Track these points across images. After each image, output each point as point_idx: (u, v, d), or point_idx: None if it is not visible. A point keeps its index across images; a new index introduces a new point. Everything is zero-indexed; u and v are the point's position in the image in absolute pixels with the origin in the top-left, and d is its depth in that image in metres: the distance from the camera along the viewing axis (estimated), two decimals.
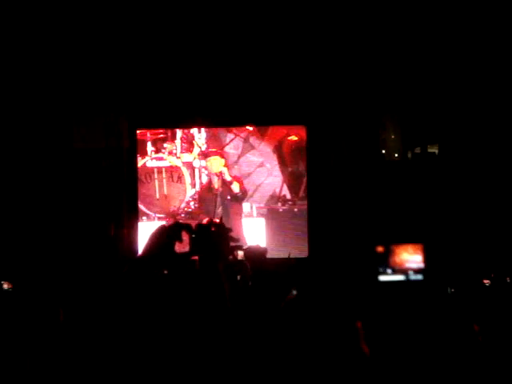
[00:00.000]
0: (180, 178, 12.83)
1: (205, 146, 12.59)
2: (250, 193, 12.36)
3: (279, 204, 12.57)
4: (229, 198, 12.42)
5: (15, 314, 4.08)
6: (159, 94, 11.06)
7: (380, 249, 3.56)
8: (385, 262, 3.49)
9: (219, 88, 10.89)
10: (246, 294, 4.99)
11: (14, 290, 7.04)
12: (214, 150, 12.61)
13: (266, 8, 10.14)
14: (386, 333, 3.26)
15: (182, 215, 12.72)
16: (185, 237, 3.99)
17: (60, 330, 4.07)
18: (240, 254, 6.57)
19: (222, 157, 12.39)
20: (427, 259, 3.36)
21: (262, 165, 12.63)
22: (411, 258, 3.46)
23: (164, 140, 12.79)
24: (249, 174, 12.65)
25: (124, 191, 11.40)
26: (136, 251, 11.17)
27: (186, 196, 12.80)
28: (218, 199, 12.34)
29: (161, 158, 12.83)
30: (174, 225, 4.09)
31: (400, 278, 3.48)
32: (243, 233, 11.89)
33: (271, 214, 12.50)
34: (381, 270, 3.53)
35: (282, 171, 12.55)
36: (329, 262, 9.94)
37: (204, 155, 12.60)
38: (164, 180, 12.78)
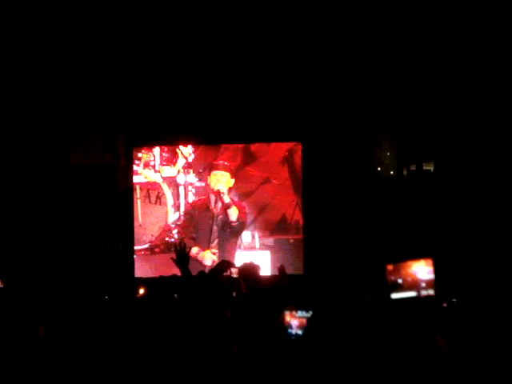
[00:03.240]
0: (159, 198, 10.34)
1: (192, 156, 10.41)
2: (251, 217, 10.21)
3: (290, 233, 10.12)
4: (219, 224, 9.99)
5: (3, 313, 4.10)
6: (155, 111, 11.03)
7: (390, 266, 3.57)
8: (395, 278, 3.52)
9: (214, 105, 10.83)
10: (240, 312, 4.98)
11: (5, 289, 7.12)
12: (225, 163, 10.28)
13: (262, 26, 10.18)
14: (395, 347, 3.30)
15: (162, 247, 10.30)
16: None
17: (39, 344, 4.06)
18: (234, 271, 6.59)
19: (233, 175, 10.20)
20: (437, 273, 3.39)
21: (267, 181, 10.22)
22: (421, 272, 3.48)
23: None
24: (249, 193, 10.21)
25: (120, 208, 11.31)
26: (131, 268, 11.12)
27: (167, 221, 10.33)
28: (215, 226, 10.01)
29: (134, 172, 10.70)
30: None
31: (412, 294, 3.50)
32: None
33: (279, 245, 10.06)
34: (392, 287, 3.54)
35: (294, 189, 10.28)
36: (326, 278, 9.89)
37: (209, 167, 10.23)
38: (138, 201, 10.45)
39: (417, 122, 10.65)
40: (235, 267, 6.68)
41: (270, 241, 10.14)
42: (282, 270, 7.52)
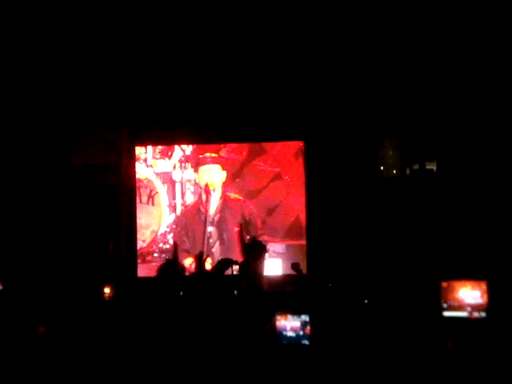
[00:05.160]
0: (152, 198, 9.25)
1: (190, 147, 9.21)
2: (258, 221, 8.97)
3: (305, 237, 8.89)
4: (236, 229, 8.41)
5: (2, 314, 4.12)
6: (158, 110, 11.02)
7: (444, 284, 3.61)
8: (444, 297, 3.57)
9: (216, 104, 10.78)
10: (240, 311, 4.97)
11: (4, 291, 7.12)
12: (212, 155, 9.03)
13: (265, 25, 10.18)
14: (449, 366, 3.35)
15: (155, 255, 9.11)
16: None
17: (38, 344, 4.07)
18: (236, 268, 6.55)
19: (224, 167, 9.02)
20: (490, 296, 3.43)
21: (278, 177, 9.05)
22: (470, 294, 3.51)
23: None
24: (257, 192, 9.00)
25: (123, 208, 11.26)
26: (134, 267, 11.10)
27: (161, 225, 9.13)
28: (212, 230, 8.75)
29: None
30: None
31: (463, 314, 3.54)
32: None
33: (292, 252, 8.84)
34: (442, 305, 3.60)
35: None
36: (327, 280, 9.82)
37: (195, 163, 8.98)
38: None
39: (419, 121, 10.63)
40: (238, 264, 6.62)
41: (281, 247, 8.98)
42: (296, 268, 7.32)
